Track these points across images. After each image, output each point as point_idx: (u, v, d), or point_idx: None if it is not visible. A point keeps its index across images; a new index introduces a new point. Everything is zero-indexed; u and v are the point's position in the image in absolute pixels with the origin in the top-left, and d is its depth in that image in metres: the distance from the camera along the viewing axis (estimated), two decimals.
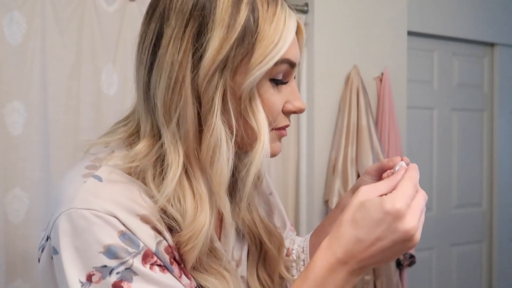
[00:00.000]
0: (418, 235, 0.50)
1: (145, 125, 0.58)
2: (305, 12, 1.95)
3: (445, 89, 2.54)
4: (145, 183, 0.55)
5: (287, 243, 0.82)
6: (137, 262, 0.50)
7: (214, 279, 0.58)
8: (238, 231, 0.70)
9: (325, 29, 1.97)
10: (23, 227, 1.45)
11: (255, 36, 0.54)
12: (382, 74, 2.06)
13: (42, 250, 0.55)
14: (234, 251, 0.69)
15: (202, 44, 0.53)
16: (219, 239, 0.66)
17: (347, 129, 1.93)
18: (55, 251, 0.52)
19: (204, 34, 0.53)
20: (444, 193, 2.54)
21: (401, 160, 0.63)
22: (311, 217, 1.98)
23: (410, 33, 2.24)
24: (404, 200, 0.50)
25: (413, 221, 0.50)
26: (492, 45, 2.66)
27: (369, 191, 0.53)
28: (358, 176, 1.92)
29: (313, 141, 1.96)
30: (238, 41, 0.53)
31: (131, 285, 0.50)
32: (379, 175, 0.68)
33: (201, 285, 0.58)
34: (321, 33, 1.96)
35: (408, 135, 2.30)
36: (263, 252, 0.72)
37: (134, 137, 0.61)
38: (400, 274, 2.06)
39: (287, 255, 0.80)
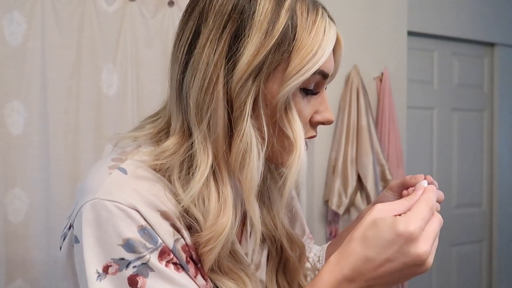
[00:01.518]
0: (430, 260, 0.49)
1: (175, 123, 0.58)
2: None
3: (445, 89, 2.54)
4: (170, 181, 0.56)
5: None
6: (153, 258, 0.51)
7: (231, 283, 0.57)
8: (261, 237, 0.70)
9: None
10: (23, 227, 1.45)
11: (293, 44, 0.53)
12: (382, 74, 2.06)
13: (64, 238, 0.56)
14: (254, 255, 0.68)
15: (238, 48, 0.53)
16: (240, 241, 0.66)
17: (347, 129, 1.93)
18: (77, 240, 0.52)
19: (241, 38, 0.53)
20: (444, 193, 2.50)
21: (424, 178, 0.62)
22: (311, 217, 1.98)
23: (410, 33, 2.24)
24: (418, 223, 0.49)
25: (426, 245, 0.48)
26: (492, 45, 2.66)
27: (384, 210, 0.52)
28: (358, 176, 1.92)
29: (313, 141, 1.96)
30: (275, 48, 0.52)
31: (146, 281, 0.50)
32: (401, 191, 0.67)
33: (218, 287, 0.57)
34: None
35: (408, 135, 2.30)
36: (283, 259, 0.71)
37: (162, 134, 0.61)
38: None
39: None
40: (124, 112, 1.61)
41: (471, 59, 2.62)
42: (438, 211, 0.63)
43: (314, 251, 0.83)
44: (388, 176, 1.95)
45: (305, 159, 0.56)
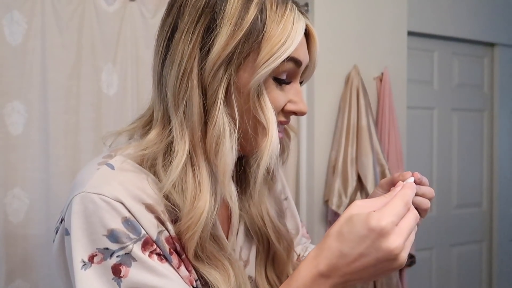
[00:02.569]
0: (403, 255, 0.49)
1: (157, 113, 0.61)
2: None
3: (445, 89, 2.54)
4: (155, 171, 0.58)
5: (299, 249, 0.82)
6: (136, 249, 0.53)
7: (216, 272, 0.59)
8: (247, 232, 0.71)
9: (325, 29, 1.97)
10: (23, 227, 1.45)
11: (262, 35, 0.56)
12: (382, 74, 2.06)
13: (57, 232, 0.59)
14: (242, 252, 0.70)
15: (211, 39, 0.56)
16: (227, 237, 0.68)
17: (347, 129, 1.93)
18: (67, 232, 0.55)
19: (213, 30, 0.56)
20: (444, 193, 2.54)
21: (412, 175, 0.63)
22: (311, 217, 1.98)
23: (410, 33, 2.24)
24: (390, 218, 0.49)
25: (398, 240, 0.48)
26: (492, 45, 2.66)
27: (361, 206, 0.53)
28: (358, 176, 1.92)
29: (313, 141, 1.96)
30: (244, 39, 0.55)
31: (129, 270, 0.52)
32: (390, 188, 0.67)
33: (203, 278, 0.59)
34: (321, 33, 1.96)
35: (408, 135, 2.30)
36: (271, 253, 0.72)
37: (149, 127, 0.64)
38: (400, 274, 2.06)
39: (297, 261, 0.80)
40: (124, 112, 1.61)
41: (471, 59, 2.62)
42: (426, 208, 0.64)
43: (310, 250, 0.83)
44: (388, 176, 1.95)
45: (277, 144, 0.58)
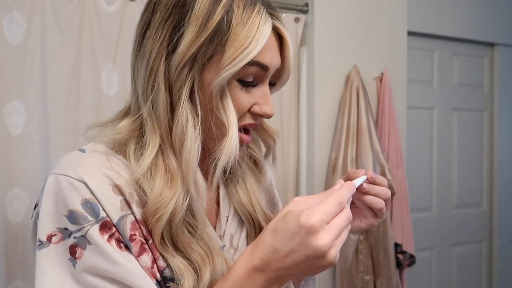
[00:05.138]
0: (332, 253, 0.50)
1: (133, 105, 0.64)
2: (305, 12, 1.94)
3: (445, 89, 2.54)
4: (126, 156, 0.60)
5: None
6: (93, 231, 0.54)
7: (182, 261, 0.59)
8: (238, 219, 0.72)
9: (325, 29, 1.97)
10: (23, 227, 1.45)
11: (226, 38, 0.56)
12: (382, 74, 2.06)
13: (32, 217, 0.61)
14: (234, 238, 0.71)
15: (177, 39, 0.57)
16: (215, 224, 0.70)
17: (347, 129, 1.93)
18: (37, 217, 0.56)
19: (179, 29, 0.57)
20: (444, 193, 2.54)
21: (365, 173, 0.63)
22: None
23: (410, 33, 2.24)
24: (320, 216, 0.50)
25: (326, 238, 0.49)
26: (492, 45, 2.66)
27: (299, 202, 0.54)
28: None
29: (313, 141, 1.96)
30: (209, 40, 0.56)
31: (84, 252, 0.54)
32: None
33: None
34: (321, 33, 1.96)
35: (408, 135, 2.30)
36: None
37: (124, 117, 0.66)
38: (400, 274, 2.06)
39: None
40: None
41: (471, 59, 2.62)
42: (379, 208, 0.64)
43: None
44: (388, 176, 1.95)
45: (236, 144, 0.59)
